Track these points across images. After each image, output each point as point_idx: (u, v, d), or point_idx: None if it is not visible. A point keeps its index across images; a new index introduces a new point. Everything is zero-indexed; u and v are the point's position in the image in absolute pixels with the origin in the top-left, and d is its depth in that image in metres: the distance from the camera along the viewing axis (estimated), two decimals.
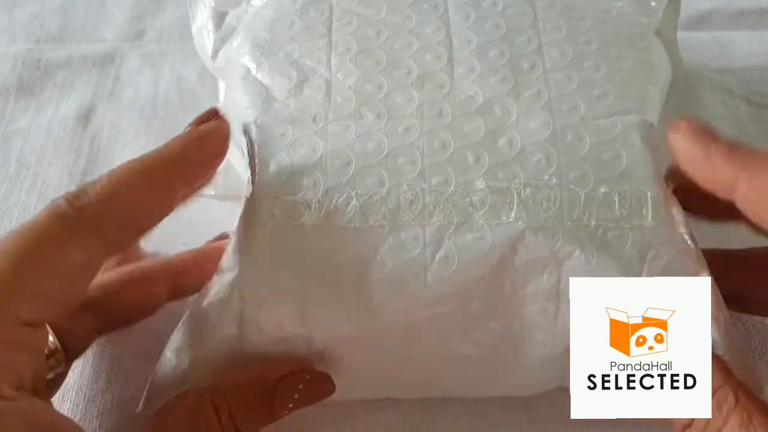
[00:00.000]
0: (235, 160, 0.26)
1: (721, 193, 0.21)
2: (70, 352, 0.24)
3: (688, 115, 0.23)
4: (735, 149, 0.21)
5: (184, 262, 0.26)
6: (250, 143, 0.24)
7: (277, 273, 0.23)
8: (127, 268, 0.26)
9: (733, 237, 0.25)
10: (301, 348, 0.23)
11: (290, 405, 0.23)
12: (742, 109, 0.38)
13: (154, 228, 0.23)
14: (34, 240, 0.19)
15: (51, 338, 0.22)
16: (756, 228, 0.22)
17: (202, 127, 0.24)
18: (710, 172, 0.21)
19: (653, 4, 0.29)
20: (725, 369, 0.21)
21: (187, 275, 0.26)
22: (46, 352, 0.22)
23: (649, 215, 0.23)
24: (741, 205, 0.21)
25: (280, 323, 0.23)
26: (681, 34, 0.32)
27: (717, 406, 0.20)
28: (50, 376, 0.23)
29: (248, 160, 0.24)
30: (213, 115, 0.24)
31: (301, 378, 0.23)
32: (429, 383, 0.26)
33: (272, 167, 0.24)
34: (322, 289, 0.23)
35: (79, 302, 0.21)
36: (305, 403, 0.23)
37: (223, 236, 0.28)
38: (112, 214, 0.20)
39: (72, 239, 0.19)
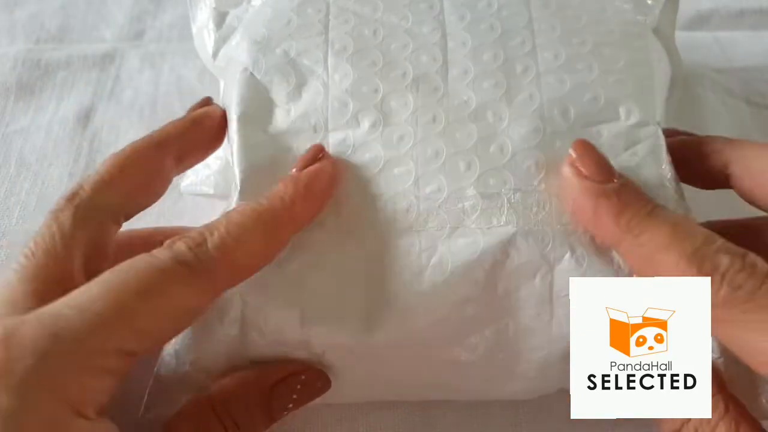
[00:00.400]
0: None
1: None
2: None
3: (583, 142, 0.23)
4: (622, 208, 0.21)
5: (177, 129, 0.26)
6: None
7: (277, 277, 0.23)
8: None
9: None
10: (300, 351, 0.24)
11: (289, 405, 0.23)
12: (742, 109, 0.38)
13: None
14: (157, 281, 0.19)
15: None
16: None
17: (309, 171, 0.24)
18: (597, 229, 0.22)
19: (650, 2, 0.28)
20: (718, 378, 0.22)
21: (187, 141, 0.26)
22: None
23: None
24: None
25: (280, 327, 0.23)
26: (681, 34, 0.32)
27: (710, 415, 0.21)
28: None
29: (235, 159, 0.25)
30: (317, 152, 0.24)
31: (298, 379, 0.23)
32: (426, 387, 0.26)
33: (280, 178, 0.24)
34: (320, 295, 0.23)
35: (165, 342, 0.22)
36: (303, 403, 0.24)
37: (204, 103, 0.27)
38: (229, 265, 0.21)
39: (190, 287, 0.20)
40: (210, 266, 0.20)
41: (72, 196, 0.23)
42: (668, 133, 0.25)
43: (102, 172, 0.23)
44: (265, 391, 0.23)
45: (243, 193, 0.24)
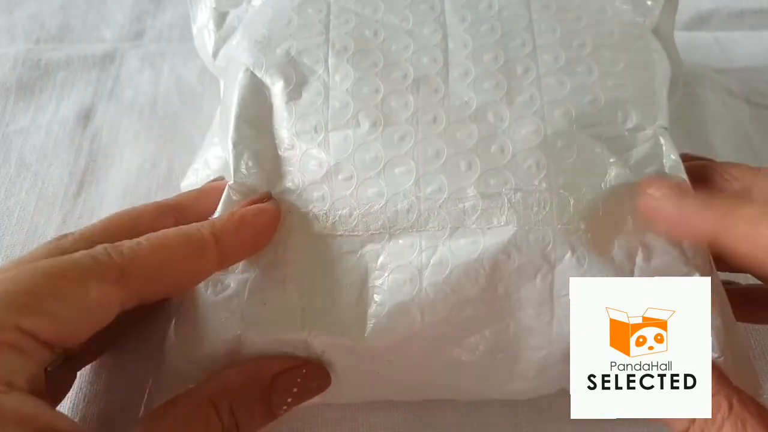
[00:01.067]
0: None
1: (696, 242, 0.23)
2: (77, 360, 0.24)
3: (655, 179, 0.24)
4: (707, 201, 0.22)
5: (187, 199, 0.27)
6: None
7: (279, 276, 0.23)
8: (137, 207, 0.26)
9: None
10: (300, 352, 0.24)
11: (289, 400, 0.23)
12: (742, 109, 0.38)
13: (180, 293, 0.24)
14: (61, 268, 0.20)
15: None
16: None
17: (251, 208, 0.24)
18: (683, 226, 0.22)
19: (649, 3, 0.28)
20: (720, 375, 0.21)
21: (191, 210, 0.26)
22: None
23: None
24: (723, 253, 0.22)
25: (280, 327, 0.23)
26: (681, 34, 0.32)
27: (711, 415, 0.21)
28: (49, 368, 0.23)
29: (231, 157, 0.25)
30: (265, 197, 0.25)
31: (298, 372, 0.23)
32: (426, 387, 0.26)
33: (288, 184, 0.25)
34: (321, 295, 0.23)
35: (86, 336, 0.21)
36: (303, 398, 0.23)
37: (219, 179, 0.28)
38: (138, 269, 0.21)
39: (93, 278, 0.20)
40: (120, 264, 0.21)
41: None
42: (683, 158, 0.25)
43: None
44: (264, 385, 0.23)
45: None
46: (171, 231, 0.22)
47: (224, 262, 0.23)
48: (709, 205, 0.22)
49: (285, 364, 0.23)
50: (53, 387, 0.23)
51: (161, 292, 0.22)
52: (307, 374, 0.23)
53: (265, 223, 0.24)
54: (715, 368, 0.21)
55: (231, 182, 0.25)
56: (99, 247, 0.21)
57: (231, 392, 0.22)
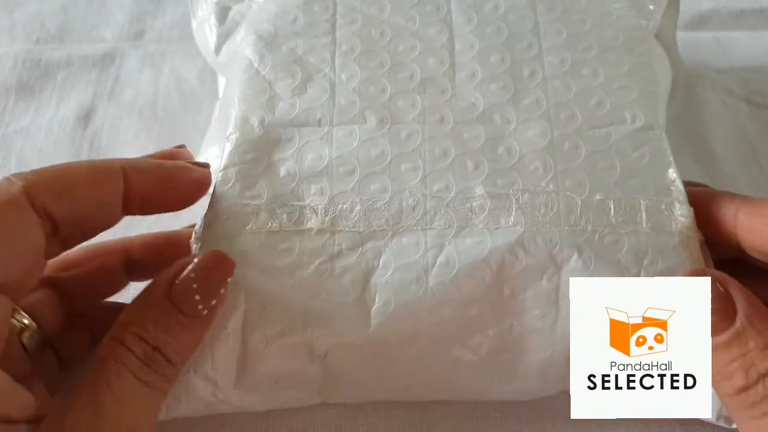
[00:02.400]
0: None
1: (726, 227, 0.24)
2: (60, 347, 0.25)
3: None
4: (735, 194, 0.24)
5: (143, 238, 0.27)
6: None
7: (280, 276, 0.23)
8: (88, 246, 0.26)
9: None
10: (303, 352, 0.23)
11: (197, 298, 0.21)
12: (742, 109, 0.38)
13: (94, 227, 0.23)
14: None
15: (24, 318, 0.23)
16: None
17: (178, 163, 0.24)
18: (715, 209, 0.24)
19: (651, 7, 0.29)
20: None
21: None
22: (18, 327, 0.23)
23: (644, 222, 0.23)
24: (742, 234, 0.23)
25: (282, 327, 0.23)
26: (681, 34, 0.32)
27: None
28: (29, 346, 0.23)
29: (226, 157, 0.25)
30: (204, 165, 0.25)
31: (186, 265, 0.22)
32: (429, 388, 0.26)
33: (282, 173, 0.24)
34: (324, 293, 0.23)
35: (26, 268, 0.21)
36: (212, 292, 0.22)
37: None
38: (42, 189, 0.21)
39: (6, 206, 0.20)
40: (25, 187, 0.20)
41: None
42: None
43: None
44: (162, 299, 0.21)
45: (238, 185, 0.24)
46: (81, 161, 0.23)
47: (131, 202, 0.23)
48: (734, 196, 0.24)
49: (172, 271, 0.22)
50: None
51: (72, 215, 0.22)
52: (199, 268, 0.22)
53: (186, 180, 0.24)
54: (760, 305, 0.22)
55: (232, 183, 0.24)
56: (1, 177, 0.21)
57: (131, 322, 0.21)
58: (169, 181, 0.24)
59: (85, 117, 0.38)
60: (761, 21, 0.44)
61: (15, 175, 0.21)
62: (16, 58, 0.40)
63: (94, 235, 0.24)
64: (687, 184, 0.25)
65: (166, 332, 0.21)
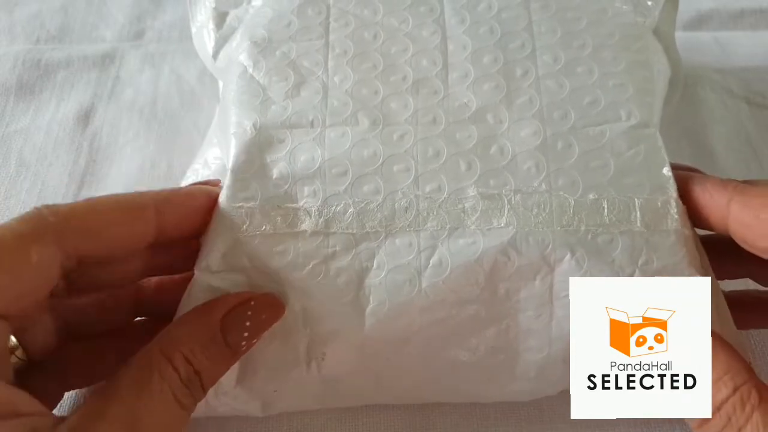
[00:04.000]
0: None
1: (717, 218, 0.23)
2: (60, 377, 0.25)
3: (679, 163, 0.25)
4: (726, 180, 0.24)
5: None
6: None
7: (276, 277, 0.23)
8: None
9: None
10: (300, 354, 0.24)
11: (245, 335, 0.23)
12: (742, 109, 0.38)
13: (120, 261, 0.24)
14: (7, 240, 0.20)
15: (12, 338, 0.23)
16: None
17: (201, 187, 0.25)
18: (707, 198, 0.23)
19: (649, 3, 0.28)
20: (747, 367, 0.21)
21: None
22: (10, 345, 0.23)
23: (638, 221, 0.23)
24: (733, 226, 0.23)
25: (280, 328, 0.23)
26: (681, 34, 0.32)
27: (740, 404, 0.20)
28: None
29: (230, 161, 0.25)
30: (215, 183, 0.25)
31: (247, 306, 0.23)
32: (427, 390, 0.26)
33: (275, 175, 0.24)
34: (319, 294, 0.23)
35: (32, 302, 0.21)
36: (259, 331, 0.23)
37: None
38: (74, 228, 0.21)
39: (31, 242, 0.20)
40: (54, 226, 0.21)
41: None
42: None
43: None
44: (215, 327, 0.22)
45: (232, 188, 0.24)
46: (112, 195, 0.23)
47: (163, 233, 0.23)
48: (726, 183, 0.23)
49: (231, 301, 0.23)
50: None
51: (100, 253, 0.22)
52: (256, 306, 0.23)
53: (211, 205, 0.24)
54: (743, 361, 0.21)
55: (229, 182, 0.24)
56: (33, 210, 0.21)
57: (182, 342, 0.22)
58: (196, 209, 0.24)
59: (85, 117, 0.38)
60: (761, 21, 0.44)
61: (48, 208, 0.21)
62: (16, 58, 0.40)
63: (113, 276, 0.24)
64: (675, 167, 0.25)
65: (209, 359, 0.22)
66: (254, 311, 0.23)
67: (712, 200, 0.23)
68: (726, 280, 0.27)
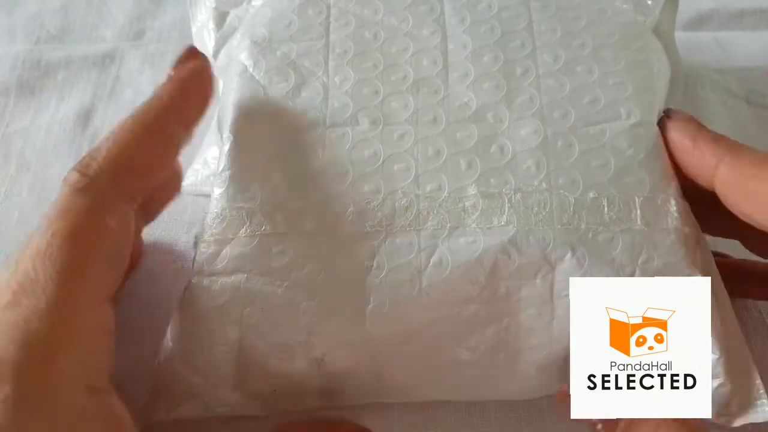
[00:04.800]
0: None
1: (705, 177, 0.23)
2: None
3: (678, 109, 0.25)
4: (719, 137, 0.24)
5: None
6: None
7: (276, 278, 0.23)
8: None
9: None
10: (300, 354, 0.24)
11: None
12: (742, 109, 0.38)
13: (165, 171, 0.24)
14: (72, 226, 0.20)
15: None
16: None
17: (183, 68, 0.25)
18: (697, 155, 0.23)
19: (649, 2, 0.29)
20: None
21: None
22: None
23: (638, 219, 0.23)
24: (720, 188, 0.23)
25: (279, 328, 0.23)
26: (681, 34, 0.32)
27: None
28: None
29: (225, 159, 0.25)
30: (191, 53, 0.25)
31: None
32: (427, 388, 0.26)
33: (275, 176, 0.24)
34: (319, 294, 0.23)
35: (128, 263, 0.22)
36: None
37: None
38: (124, 170, 0.21)
39: (102, 210, 0.20)
40: (107, 182, 0.21)
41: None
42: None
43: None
44: None
45: (232, 188, 0.24)
46: (128, 121, 0.22)
47: (185, 125, 0.24)
48: (719, 140, 0.24)
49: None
50: None
51: (152, 178, 0.23)
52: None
53: (204, 78, 0.25)
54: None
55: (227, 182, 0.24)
56: (76, 175, 0.21)
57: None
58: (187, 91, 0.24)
59: (85, 117, 0.38)
60: (761, 21, 0.44)
61: (91, 170, 0.21)
62: (16, 58, 0.40)
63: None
64: (666, 112, 0.25)
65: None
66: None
67: (703, 159, 0.23)
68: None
